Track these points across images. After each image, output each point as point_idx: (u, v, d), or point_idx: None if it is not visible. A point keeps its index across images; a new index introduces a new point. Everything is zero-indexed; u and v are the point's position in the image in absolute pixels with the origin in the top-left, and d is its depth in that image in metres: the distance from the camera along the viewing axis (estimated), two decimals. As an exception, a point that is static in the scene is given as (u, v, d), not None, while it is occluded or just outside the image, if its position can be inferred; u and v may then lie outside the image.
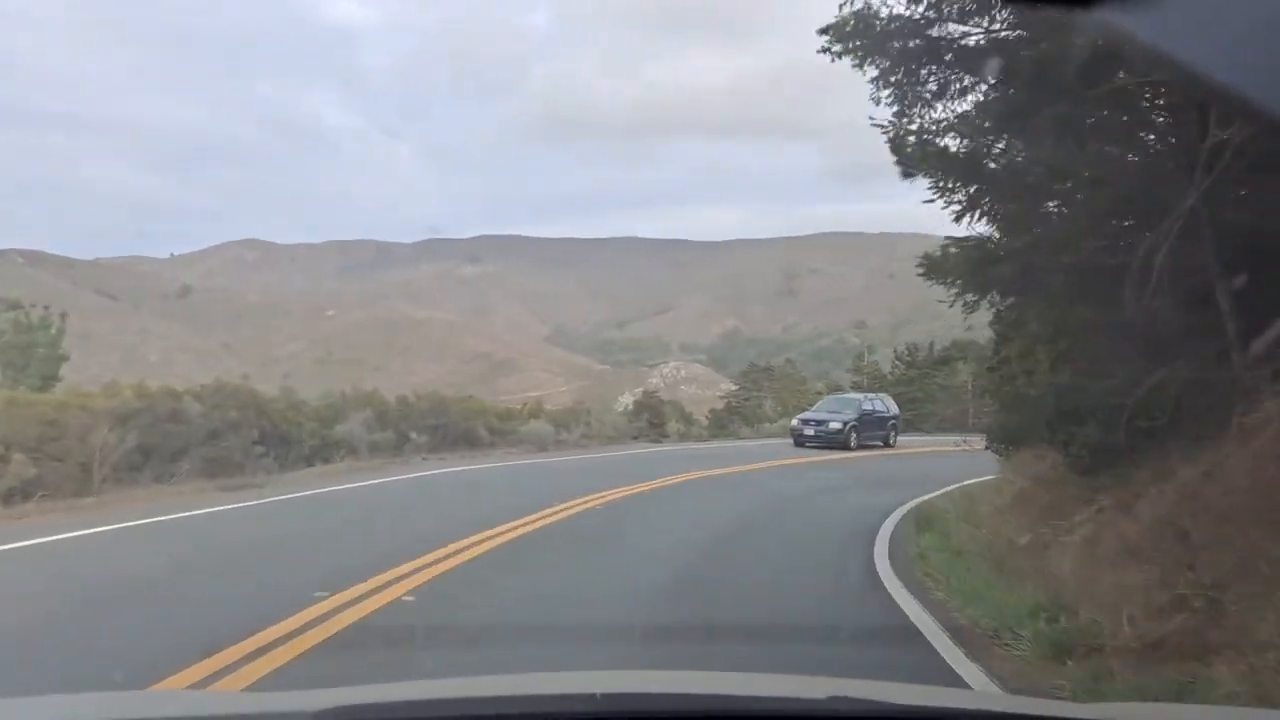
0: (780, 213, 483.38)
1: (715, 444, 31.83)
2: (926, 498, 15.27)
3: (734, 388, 54.78)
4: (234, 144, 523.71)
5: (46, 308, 25.74)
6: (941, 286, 9.44)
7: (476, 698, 2.06)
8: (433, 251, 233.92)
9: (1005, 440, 11.90)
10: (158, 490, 15.36)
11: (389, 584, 7.96)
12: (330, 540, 11.13)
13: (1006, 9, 7.41)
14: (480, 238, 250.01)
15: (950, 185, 8.45)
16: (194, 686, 5.20)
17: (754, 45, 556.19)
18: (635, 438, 32.00)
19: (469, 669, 5.57)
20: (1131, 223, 8.51)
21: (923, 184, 8.38)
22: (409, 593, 7.77)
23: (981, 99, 8.48)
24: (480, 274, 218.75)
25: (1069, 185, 8.32)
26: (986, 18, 8.07)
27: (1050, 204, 9.00)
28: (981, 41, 8.18)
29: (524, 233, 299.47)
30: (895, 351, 47.97)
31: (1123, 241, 8.21)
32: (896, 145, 8.53)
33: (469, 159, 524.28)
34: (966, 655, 6.33)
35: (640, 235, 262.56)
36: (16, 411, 15.25)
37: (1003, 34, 8.07)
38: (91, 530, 11.12)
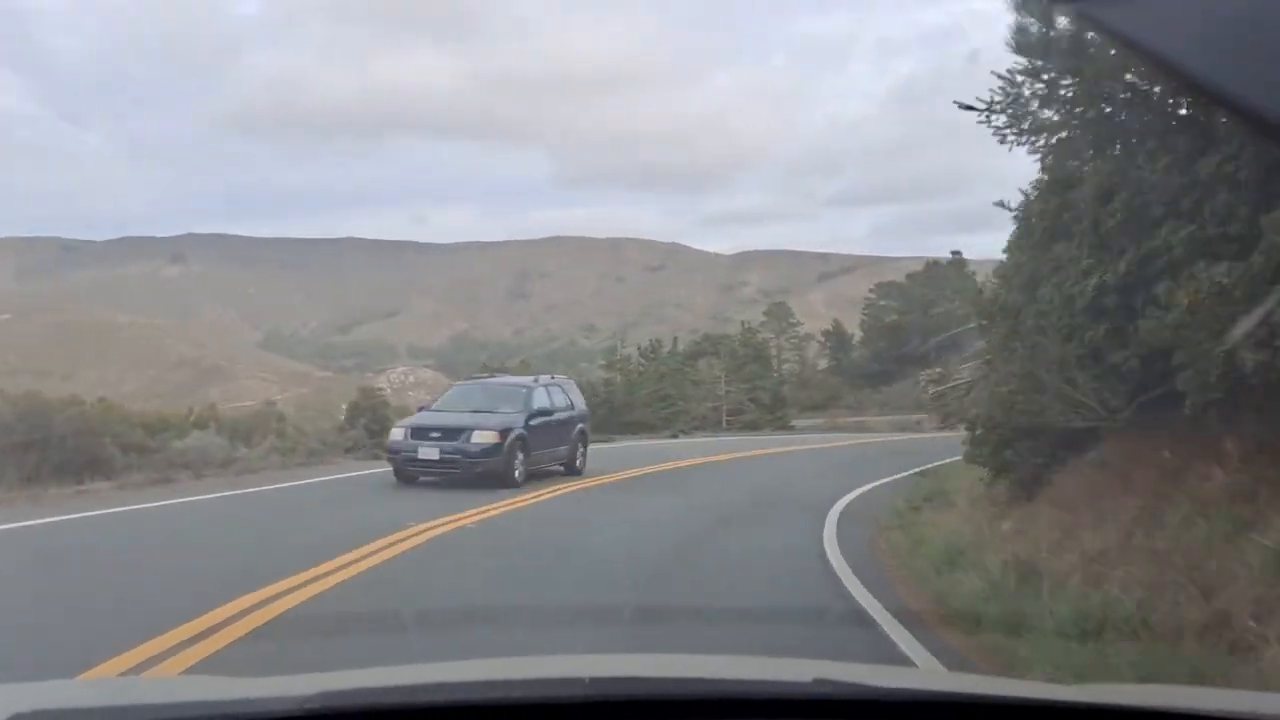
0: (511, 216, 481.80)
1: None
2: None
3: (466, 392, 52.75)
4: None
5: None
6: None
7: (463, 682, 2.07)
8: (132, 250, 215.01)
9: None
10: None
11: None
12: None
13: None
14: (185, 236, 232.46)
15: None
16: None
17: (478, 47, 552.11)
18: (350, 450, 23.67)
19: None
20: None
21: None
22: None
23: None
24: (185, 275, 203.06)
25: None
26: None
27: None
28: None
29: (235, 231, 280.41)
30: (639, 348, 47.28)
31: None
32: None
33: (172, 152, 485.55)
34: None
35: (364, 236, 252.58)
36: None
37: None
38: None
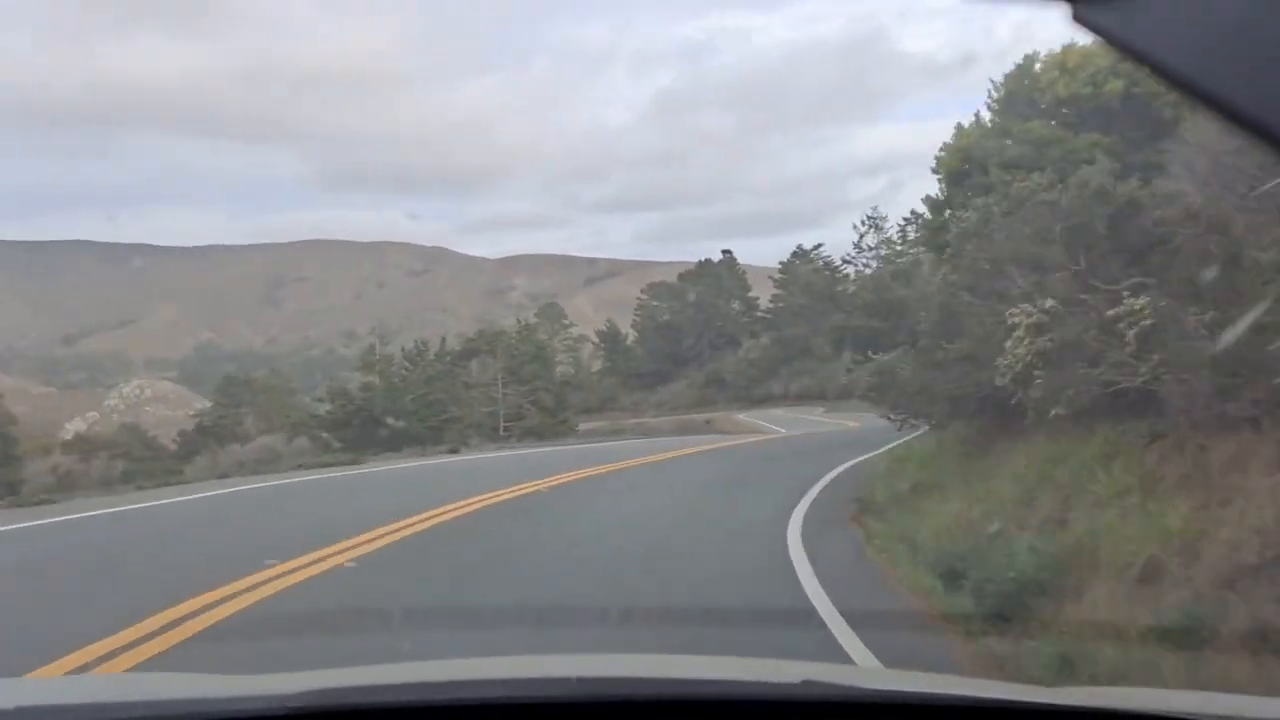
0: (262, 218, 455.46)
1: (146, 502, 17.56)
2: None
3: (209, 405, 46.30)
4: None
5: None
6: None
7: (449, 681, 2.05)
8: None
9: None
10: None
11: None
12: None
13: None
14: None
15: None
16: None
17: (223, 38, 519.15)
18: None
19: None
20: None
21: None
22: None
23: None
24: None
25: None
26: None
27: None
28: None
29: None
30: (403, 349, 42.57)
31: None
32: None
33: None
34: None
35: (93, 239, 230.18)
36: None
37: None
38: None
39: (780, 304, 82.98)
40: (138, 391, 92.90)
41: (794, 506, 13.59)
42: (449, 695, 1.90)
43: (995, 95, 24.25)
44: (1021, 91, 22.93)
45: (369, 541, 10.75)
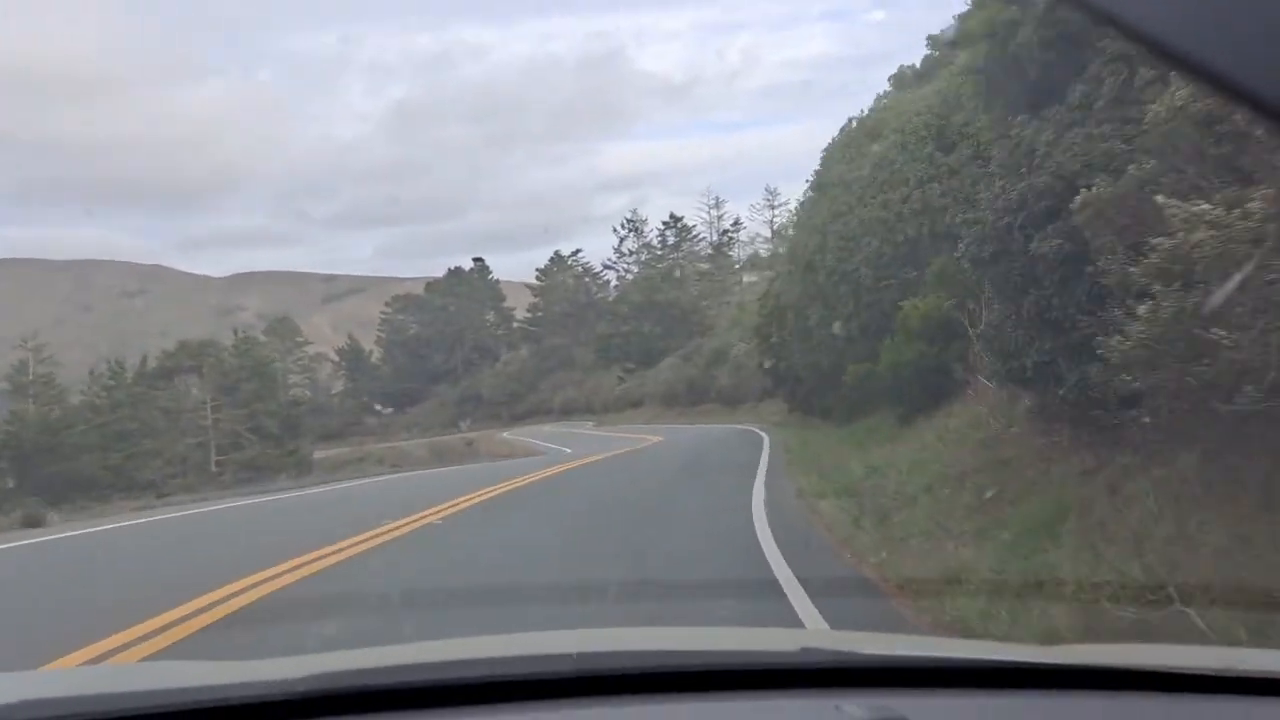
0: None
1: None
2: None
3: None
4: None
5: None
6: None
7: (451, 661, 2.07)
8: None
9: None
10: None
11: None
12: None
13: None
14: None
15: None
16: None
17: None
18: None
19: None
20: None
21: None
22: None
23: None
24: None
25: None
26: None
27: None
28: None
29: None
30: (91, 372, 33.44)
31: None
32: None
33: None
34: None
35: None
36: None
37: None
38: None
39: (539, 313, 77.93)
40: None
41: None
42: (451, 675, 1.92)
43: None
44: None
45: None
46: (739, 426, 37.48)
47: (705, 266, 69.24)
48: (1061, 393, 8.03)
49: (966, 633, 5.36)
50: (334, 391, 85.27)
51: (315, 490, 20.97)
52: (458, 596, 6.89)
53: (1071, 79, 8.75)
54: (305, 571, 7.90)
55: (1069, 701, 1.92)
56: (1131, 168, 6.60)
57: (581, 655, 1.97)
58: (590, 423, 55.63)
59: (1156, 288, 5.54)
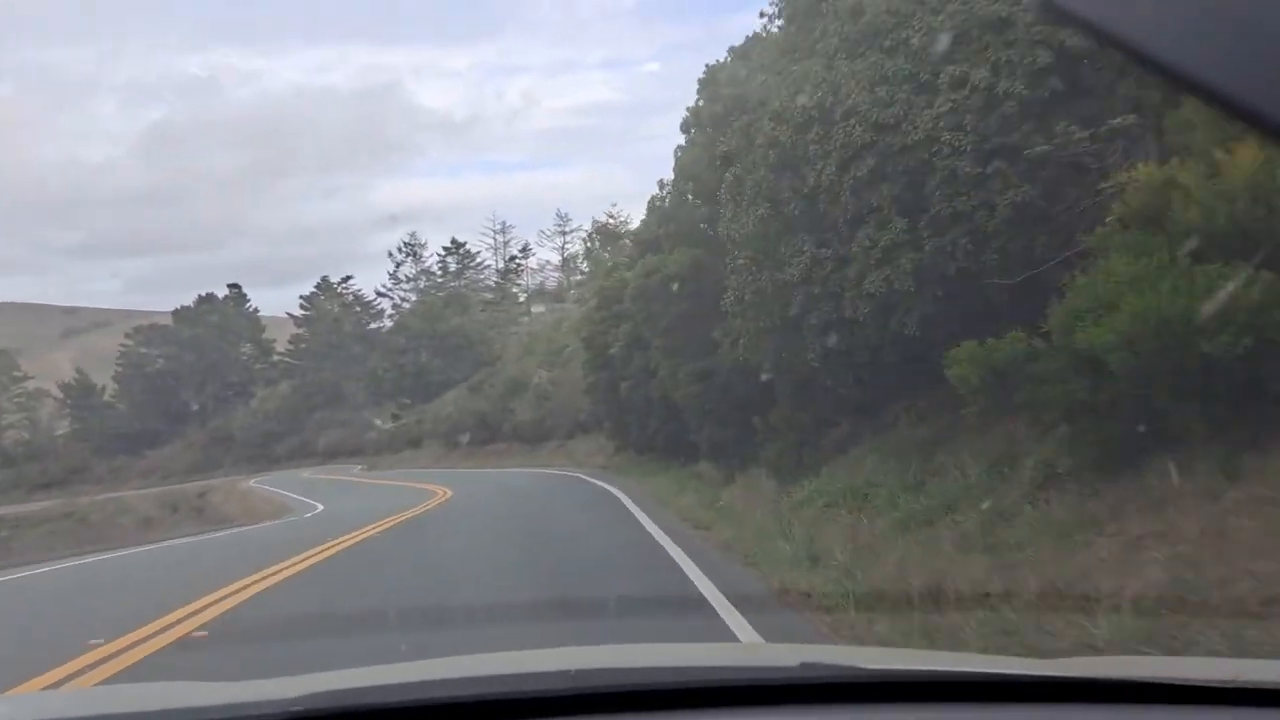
0: None
1: None
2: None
3: None
4: None
5: None
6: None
7: (448, 679, 2.05)
8: None
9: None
10: None
11: None
12: None
13: None
14: None
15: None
16: None
17: None
18: None
19: None
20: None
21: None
22: None
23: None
24: None
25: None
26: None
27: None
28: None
29: None
30: None
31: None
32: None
33: None
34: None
35: None
36: None
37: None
38: None
39: (303, 345, 70.16)
40: None
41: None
42: (448, 693, 1.90)
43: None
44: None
45: None
46: (554, 471, 30.25)
47: (490, 296, 64.03)
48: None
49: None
50: (58, 433, 74.21)
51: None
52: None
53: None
54: None
55: (1070, 715, 1.90)
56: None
57: (579, 672, 1.96)
58: (359, 466, 49.05)
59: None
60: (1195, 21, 0.81)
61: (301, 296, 69.89)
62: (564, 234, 62.95)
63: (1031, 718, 1.88)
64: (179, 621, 7.74)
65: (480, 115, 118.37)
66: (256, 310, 77.28)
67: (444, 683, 1.97)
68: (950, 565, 7.39)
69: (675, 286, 20.03)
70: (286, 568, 11.01)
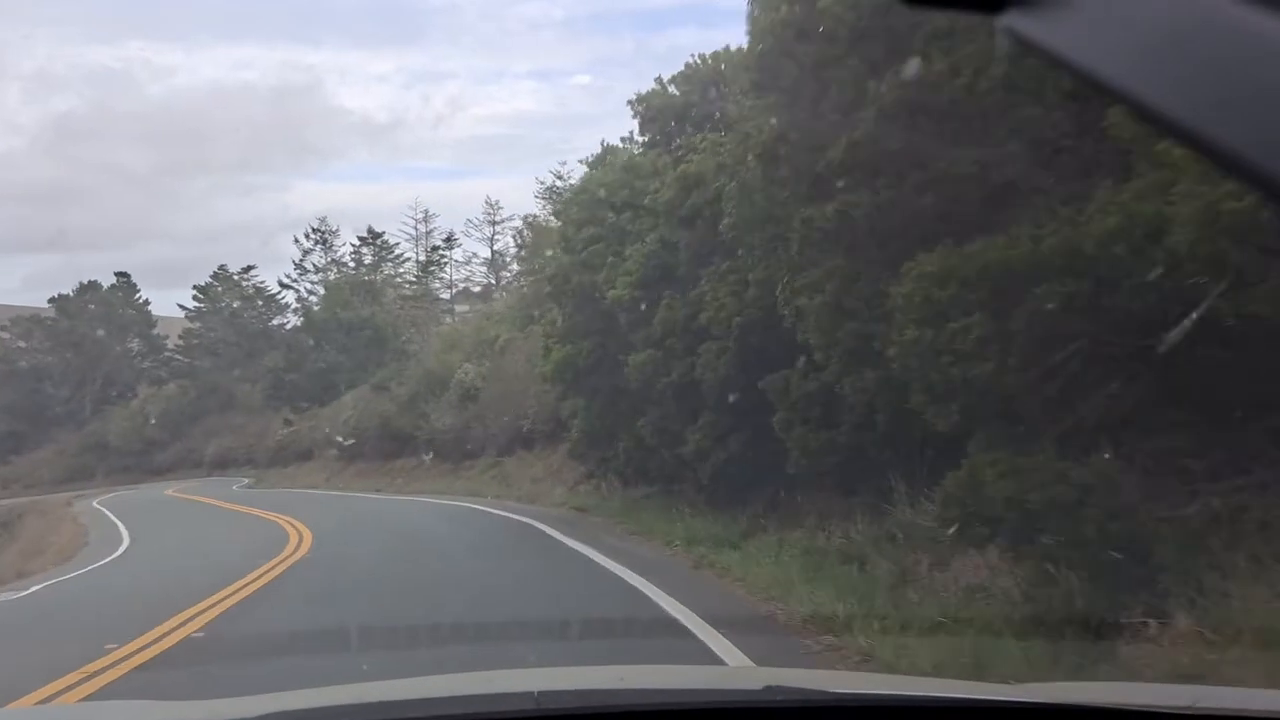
0: None
1: None
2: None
3: None
4: None
5: None
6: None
7: (416, 699, 2.02)
8: None
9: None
10: None
11: None
12: None
13: None
14: None
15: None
16: None
17: None
18: None
19: None
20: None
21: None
22: None
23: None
24: None
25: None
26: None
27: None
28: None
29: None
30: None
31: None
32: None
33: None
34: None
35: None
36: None
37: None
38: None
39: (195, 341, 62.43)
40: None
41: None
42: (416, 713, 1.86)
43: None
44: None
45: None
46: (489, 509, 20.13)
47: (409, 291, 57.22)
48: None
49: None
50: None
51: None
52: None
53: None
54: None
55: None
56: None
57: (544, 694, 1.89)
58: (246, 480, 41.97)
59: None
60: (1152, 44, 0.78)
61: (195, 287, 62.15)
62: (493, 224, 56.35)
63: None
64: None
65: (404, 120, 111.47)
66: (147, 303, 69.23)
67: (408, 703, 1.99)
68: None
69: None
70: None
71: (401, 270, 59.17)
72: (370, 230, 58.92)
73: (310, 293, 58.49)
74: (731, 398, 12.81)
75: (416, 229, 58.70)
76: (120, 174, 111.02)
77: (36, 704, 6.15)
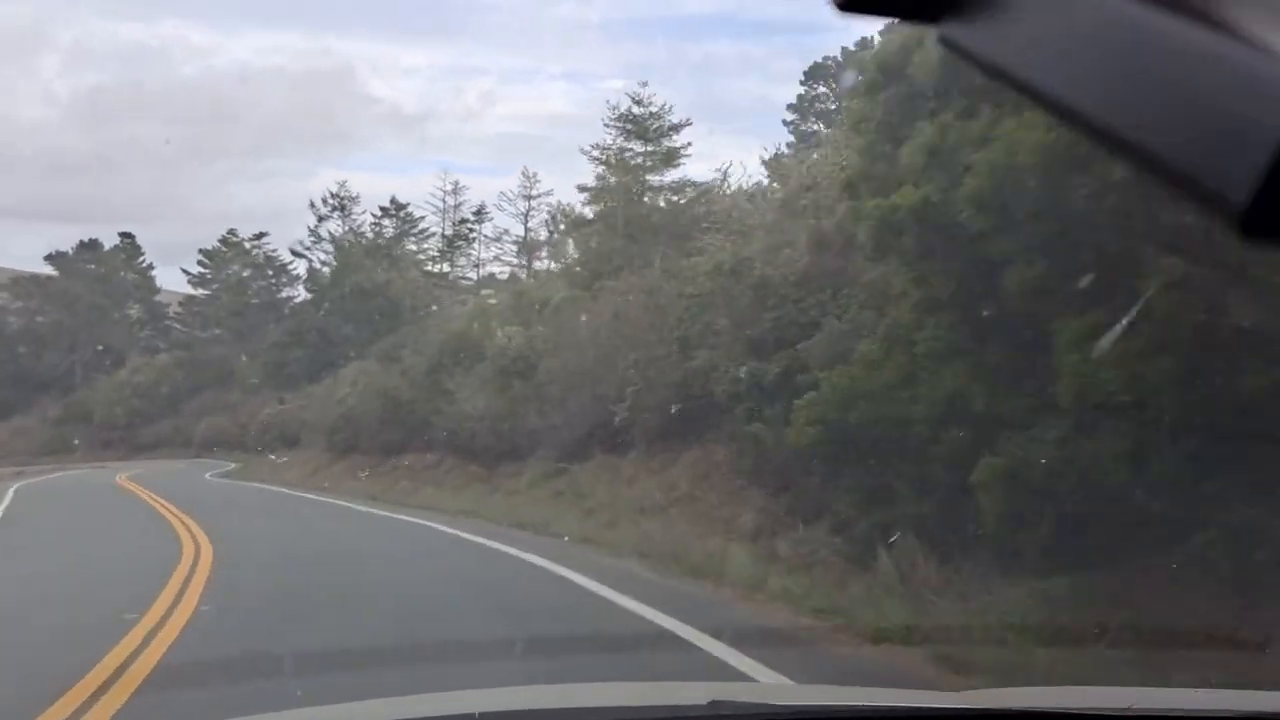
0: None
1: None
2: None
3: None
4: None
5: None
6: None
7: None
8: None
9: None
10: None
11: None
12: None
13: None
14: None
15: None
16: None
17: None
18: None
19: None
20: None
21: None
22: None
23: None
24: None
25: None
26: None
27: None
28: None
29: None
30: None
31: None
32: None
33: None
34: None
35: None
36: None
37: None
38: None
39: (196, 310, 57.18)
40: None
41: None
42: None
43: None
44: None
45: None
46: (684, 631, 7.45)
47: (433, 269, 51.72)
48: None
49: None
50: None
51: None
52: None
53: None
54: None
55: None
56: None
57: (485, 715, 1.88)
58: (231, 466, 36.47)
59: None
60: (1093, 57, 0.76)
61: (201, 251, 56.84)
62: (529, 198, 50.67)
63: None
64: None
65: (434, 112, 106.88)
66: (151, 267, 64.10)
67: None
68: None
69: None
70: None
71: (425, 246, 53.60)
72: (394, 200, 53.46)
73: (324, 264, 53.03)
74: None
75: (444, 201, 53.12)
76: (144, 151, 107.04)
77: None
